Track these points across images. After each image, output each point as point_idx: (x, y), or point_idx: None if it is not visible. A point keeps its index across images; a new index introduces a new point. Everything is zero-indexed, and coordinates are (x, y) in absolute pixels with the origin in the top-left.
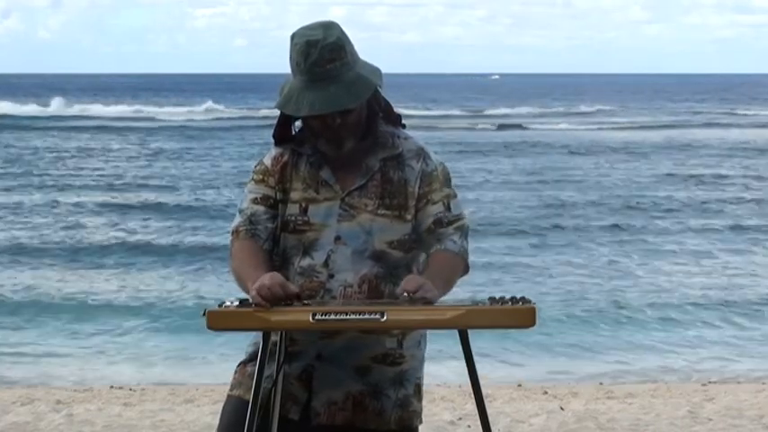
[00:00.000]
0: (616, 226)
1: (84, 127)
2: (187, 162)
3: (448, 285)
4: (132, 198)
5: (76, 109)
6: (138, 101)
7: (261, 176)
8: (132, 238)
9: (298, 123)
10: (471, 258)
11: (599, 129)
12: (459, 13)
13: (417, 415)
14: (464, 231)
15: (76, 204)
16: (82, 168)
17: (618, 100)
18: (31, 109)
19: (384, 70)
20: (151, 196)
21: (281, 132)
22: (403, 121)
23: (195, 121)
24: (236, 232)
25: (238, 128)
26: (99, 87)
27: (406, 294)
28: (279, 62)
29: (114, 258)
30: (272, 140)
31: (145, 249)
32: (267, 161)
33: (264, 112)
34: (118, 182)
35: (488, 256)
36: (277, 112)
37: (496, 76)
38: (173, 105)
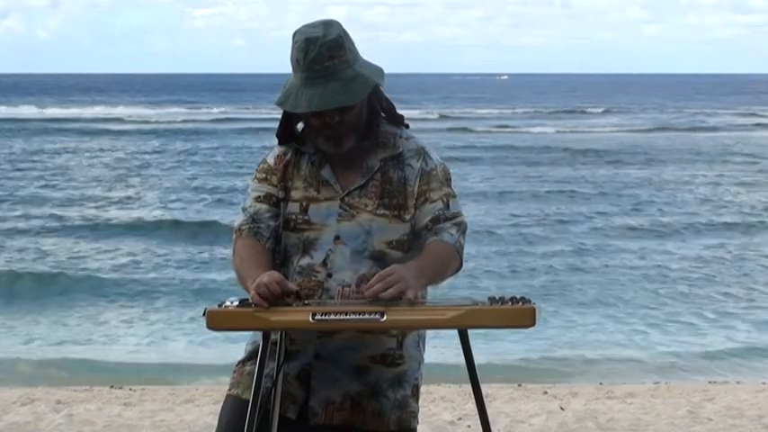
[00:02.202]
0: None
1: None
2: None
3: (437, 276)
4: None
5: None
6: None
7: (264, 175)
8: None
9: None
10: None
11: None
12: (457, 14)
13: (415, 415)
14: (462, 228)
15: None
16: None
17: (612, 101)
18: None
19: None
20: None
21: (284, 131)
22: (406, 121)
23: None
24: (238, 230)
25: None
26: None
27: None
28: (277, 62)
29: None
30: (276, 139)
31: None
32: (270, 159)
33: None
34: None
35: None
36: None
37: (505, 77)
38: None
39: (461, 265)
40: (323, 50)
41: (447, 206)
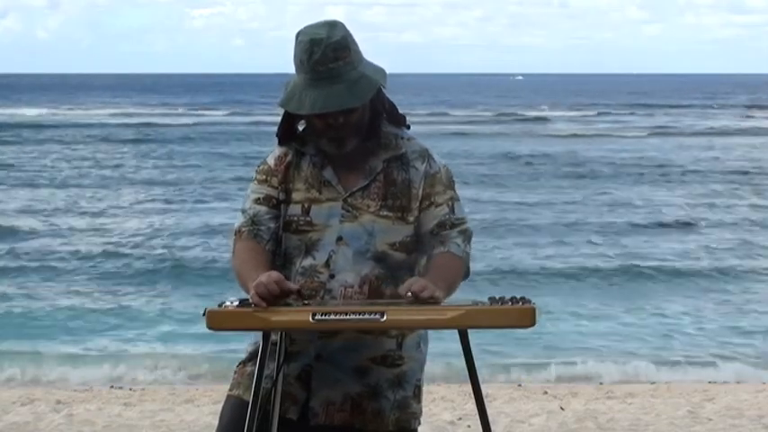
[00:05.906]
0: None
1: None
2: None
3: (450, 288)
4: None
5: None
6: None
7: (264, 176)
8: None
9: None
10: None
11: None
12: (456, 14)
13: (416, 416)
14: (467, 235)
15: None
16: None
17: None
18: None
19: None
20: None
21: (285, 131)
22: (407, 122)
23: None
24: (238, 232)
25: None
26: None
27: (410, 294)
28: (277, 62)
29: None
30: (276, 139)
31: None
32: (270, 161)
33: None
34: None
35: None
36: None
37: (520, 77)
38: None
39: (468, 273)
40: (328, 51)
41: (452, 210)
